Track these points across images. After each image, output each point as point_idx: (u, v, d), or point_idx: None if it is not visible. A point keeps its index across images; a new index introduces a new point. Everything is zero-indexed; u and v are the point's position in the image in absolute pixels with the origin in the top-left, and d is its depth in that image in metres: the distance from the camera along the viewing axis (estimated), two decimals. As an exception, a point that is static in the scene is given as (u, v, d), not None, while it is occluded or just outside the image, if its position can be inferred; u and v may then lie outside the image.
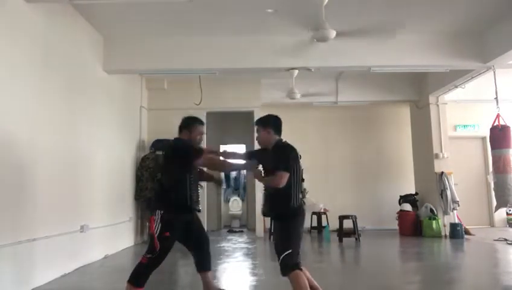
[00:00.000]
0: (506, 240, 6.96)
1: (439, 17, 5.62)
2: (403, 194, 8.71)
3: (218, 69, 6.33)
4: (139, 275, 3.16)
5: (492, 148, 6.32)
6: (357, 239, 7.32)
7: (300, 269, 2.88)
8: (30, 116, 4.11)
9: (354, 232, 7.36)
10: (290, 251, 2.85)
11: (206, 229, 4.43)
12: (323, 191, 9.03)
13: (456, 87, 7.59)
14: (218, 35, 6.00)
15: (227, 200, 10.98)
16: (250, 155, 3.49)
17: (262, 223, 8.28)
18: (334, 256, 6.41)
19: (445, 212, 7.79)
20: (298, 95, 7.58)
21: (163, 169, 3.58)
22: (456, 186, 7.89)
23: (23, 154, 3.97)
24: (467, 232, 7.76)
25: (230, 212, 10.88)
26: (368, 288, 4.13)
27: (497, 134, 6.18)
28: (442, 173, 7.86)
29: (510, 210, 8.77)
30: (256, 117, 4.67)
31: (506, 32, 5.66)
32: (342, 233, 7.39)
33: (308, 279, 2.93)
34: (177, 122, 3.51)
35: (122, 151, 6.93)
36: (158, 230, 3.15)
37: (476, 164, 9.34)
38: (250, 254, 6.33)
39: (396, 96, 8.83)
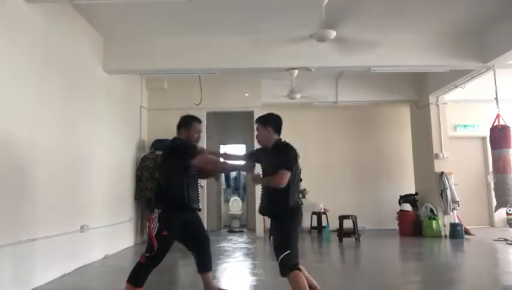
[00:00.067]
0: (506, 240, 6.97)
1: (439, 17, 5.62)
2: (403, 194, 8.71)
3: (218, 69, 6.33)
4: (138, 275, 3.17)
5: (492, 148, 6.32)
6: (357, 239, 7.32)
7: (299, 269, 2.88)
8: (30, 116, 4.11)
9: (354, 232, 7.37)
10: (288, 251, 2.84)
11: (206, 229, 4.43)
12: (323, 191, 9.03)
13: (456, 87, 7.59)
14: (218, 35, 6.00)
15: (227, 200, 10.98)
16: (250, 156, 3.49)
17: (262, 223, 8.28)
18: (334, 256, 6.41)
19: (445, 212, 7.79)
20: (298, 95, 7.59)
21: (161, 168, 3.58)
22: (456, 186, 7.89)
23: (23, 154, 3.97)
24: (467, 232, 7.76)
25: (230, 212, 10.88)
26: (367, 288, 4.12)
27: (497, 134, 6.18)
28: (442, 173, 7.86)
29: (510, 210, 8.78)
30: (256, 117, 4.66)
31: (506, 32, 5.66)
32: (342, 233, 7.39)
33: (306, 278, 2.93)
34: (177, 122, 3.51)
35: (122, 151, 6.94)
36: (156, 229, 3.15)
37: (476, 164, 9.34)
38: (250, 254, 6.33)
39: (396, 96, 8.83)
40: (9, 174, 3.73)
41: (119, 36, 6.07)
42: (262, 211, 3.21)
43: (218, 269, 4.93)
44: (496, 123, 6.22)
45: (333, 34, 4.79)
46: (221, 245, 7.11)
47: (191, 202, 3.31)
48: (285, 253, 2.84)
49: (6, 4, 3.80)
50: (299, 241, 2.99)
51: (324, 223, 8.37)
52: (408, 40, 6.13)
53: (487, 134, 6.69)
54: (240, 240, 7.94)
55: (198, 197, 3.43)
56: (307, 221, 8.76)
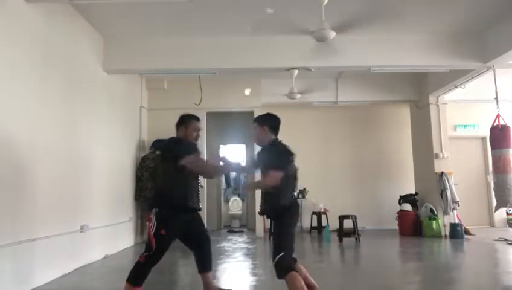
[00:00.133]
0: (506, 240, 6.96)
1: (439, 17, 5.62)
2: (403, 194, 8.71)
3: (218, 69, 6.33)
4: (137, 274, 3.17)
5: (492, 148, 6.32)
6: (357, 239, 7.32)
7: (295, 270, 2.88)
8: (30, 116, 4.11)
9: (354, 232, 7.36)
10: (283, 253, 2.83)
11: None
12: (323, 191, 9.04)
13: (456, 87, 7.59)
14: (218, 35, 6.00)
15: (227, 200, 10.99)
16: (252, 161, 3.48)
17: (262, 223, 8.29)
18: (334, 256, 6.40)
19: (445, 212, 7.79)
20: (298, 95, 7.58)
21: (160, 167, 3.58)
22: (456, 186, 7.89)
23: (23, 154, 3.97)
24: (467, 232, 7.76)
25: (230, 212, 10.89)
26: (367, 288, 4.12)
27: (497, 134, 6.18)
28: (442, 173, 7.86)
29: (510, 210, 8.78)
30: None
31: (506, 32, 5.66)
32: (342, 233, 7.38)
33: (304, 277, 2.93)
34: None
35: (122, 151, 6.94)
36: (154, 228, 3.15)
37: (476, 164, 9.34)
38: (250, 254, 6.33)
39: (396, 96, 8.82)
40: (9, 174, 3.73)
41: (119, 36, 6.07)
42: (259, 211, 3.24)
43: (218, 269, 4.93)
44: (496, 123, 6.23)
45: (333, 34, 4.78)
46: (221, 245, 7.11)
47: (190, 202, 3.30)
48: (280, 255, 2.82)
49: (6, 4, 3.80)
50: (294, 242, 2.95)
51: (324, 223, 8.37)
52: (408, 40, 6.14)
53: (487, 134, 6.69)
54: (240, 240, 7.94)
55: (199, 197, 3.42)
56: (307, 221, 8.78)
